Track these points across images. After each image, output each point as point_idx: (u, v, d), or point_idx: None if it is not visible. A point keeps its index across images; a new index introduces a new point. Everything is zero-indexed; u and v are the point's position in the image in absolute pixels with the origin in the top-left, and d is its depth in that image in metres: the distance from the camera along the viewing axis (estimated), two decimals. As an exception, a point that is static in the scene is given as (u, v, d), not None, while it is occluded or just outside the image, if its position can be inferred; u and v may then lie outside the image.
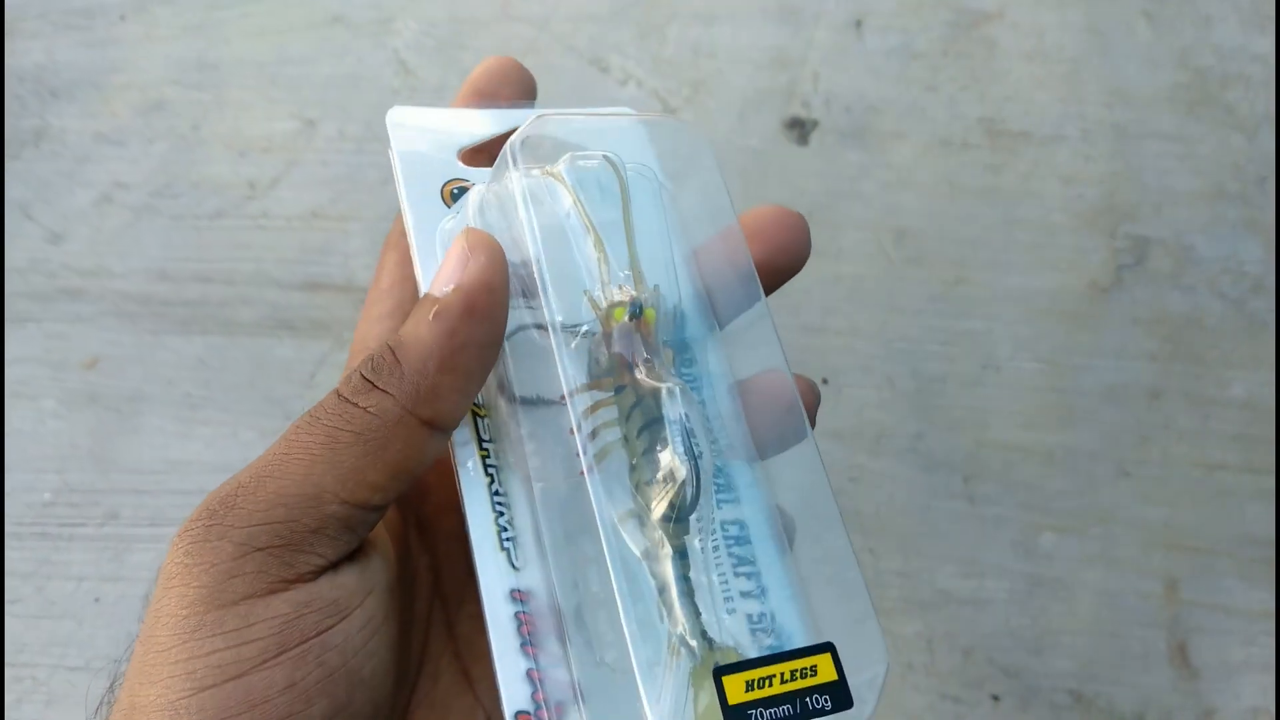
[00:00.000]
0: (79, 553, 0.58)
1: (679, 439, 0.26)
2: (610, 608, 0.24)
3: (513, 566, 0.27)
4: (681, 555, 0.26)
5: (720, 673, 0.24)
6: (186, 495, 0.59)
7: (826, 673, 0.24)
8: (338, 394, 0.26)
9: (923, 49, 0.69)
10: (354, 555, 0.26)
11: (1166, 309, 0.60)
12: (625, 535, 0.26)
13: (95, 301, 0.65)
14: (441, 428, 0.26)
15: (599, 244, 0.28)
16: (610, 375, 0.27)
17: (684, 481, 0.26)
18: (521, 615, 0.26)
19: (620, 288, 0.28)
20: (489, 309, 0.26)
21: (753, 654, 0.26)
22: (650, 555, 0.26)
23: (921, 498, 0.55)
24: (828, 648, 0.25)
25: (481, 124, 0.31)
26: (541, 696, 0.26)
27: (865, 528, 0.55)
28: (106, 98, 0.71)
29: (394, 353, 0.26)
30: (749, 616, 0.27)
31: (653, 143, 0.31)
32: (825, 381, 0.59)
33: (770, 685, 0.24)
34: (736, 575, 0.27)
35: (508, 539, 0.27)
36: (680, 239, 0.30)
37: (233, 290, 0.64)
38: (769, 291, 0.29)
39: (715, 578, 0.27)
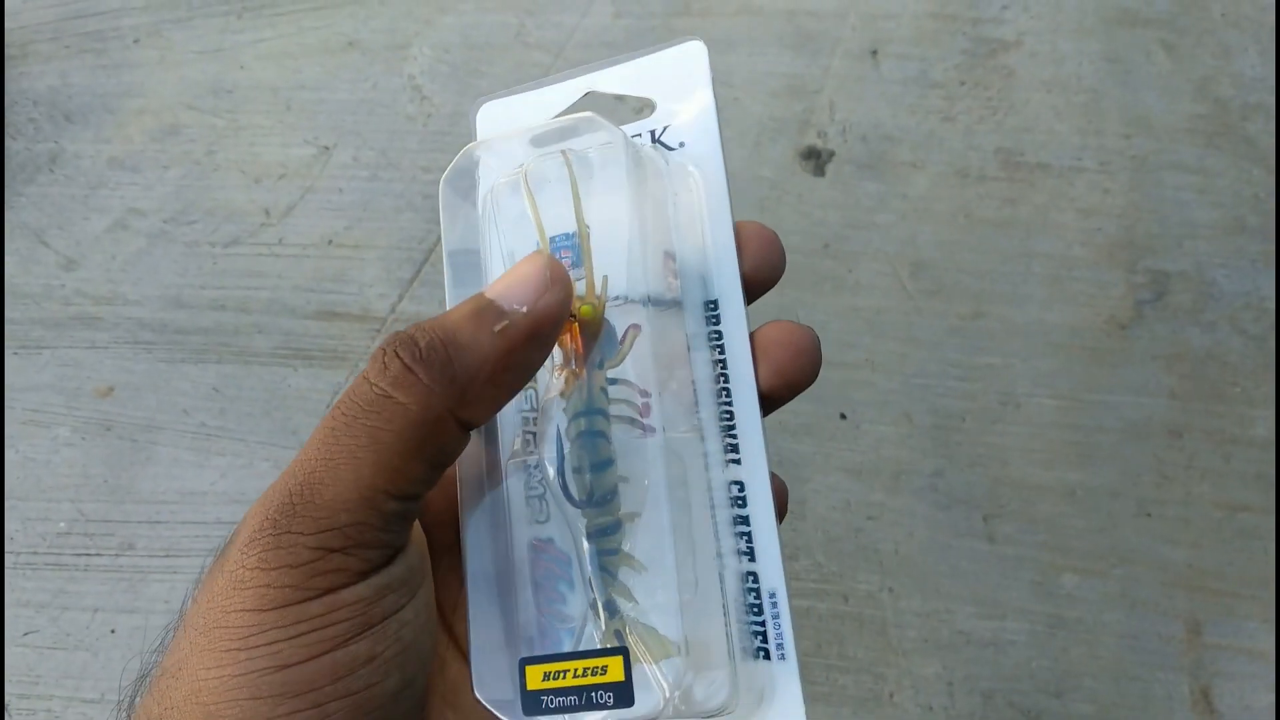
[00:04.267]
0: (94, 584, 0.58)
1: (554, 445, 0.29)
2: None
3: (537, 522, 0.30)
4: (599, 533, 0.28)
5: (525, 662, 0.27)
6: (202, 526, 0.59)
7: (615, 673, 0.27)
8: (371, 385, 0.25)
9: (939, 78, 0.69)
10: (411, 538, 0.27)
11: (1187, 345, 0.59)
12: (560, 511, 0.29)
13: (110, 329, 0.64)
14: (471, 428, 0.26)
15: (544, 248, 0.29)
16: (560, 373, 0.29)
17: (556, 476, 0.29)
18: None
19: (577, 277, 0.29)
20: (548, 339, 0.27)
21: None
22: (577, 531, 0.29)
23: (941, 536, 0.55)
24: (621, 651, 0.27)
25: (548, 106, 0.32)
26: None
27: (884, 566, 0.55)
28: (120, 122, 0.71)
29: (447, 348, 0.25)
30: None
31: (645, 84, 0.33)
32: (844, 416, 0.58)
33: (564, 678, 0.27)
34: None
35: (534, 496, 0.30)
36: (671, 208, 0.31)
37: (247, 318, 0.64)
38: (750, 301, 0.30)
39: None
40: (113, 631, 0.57)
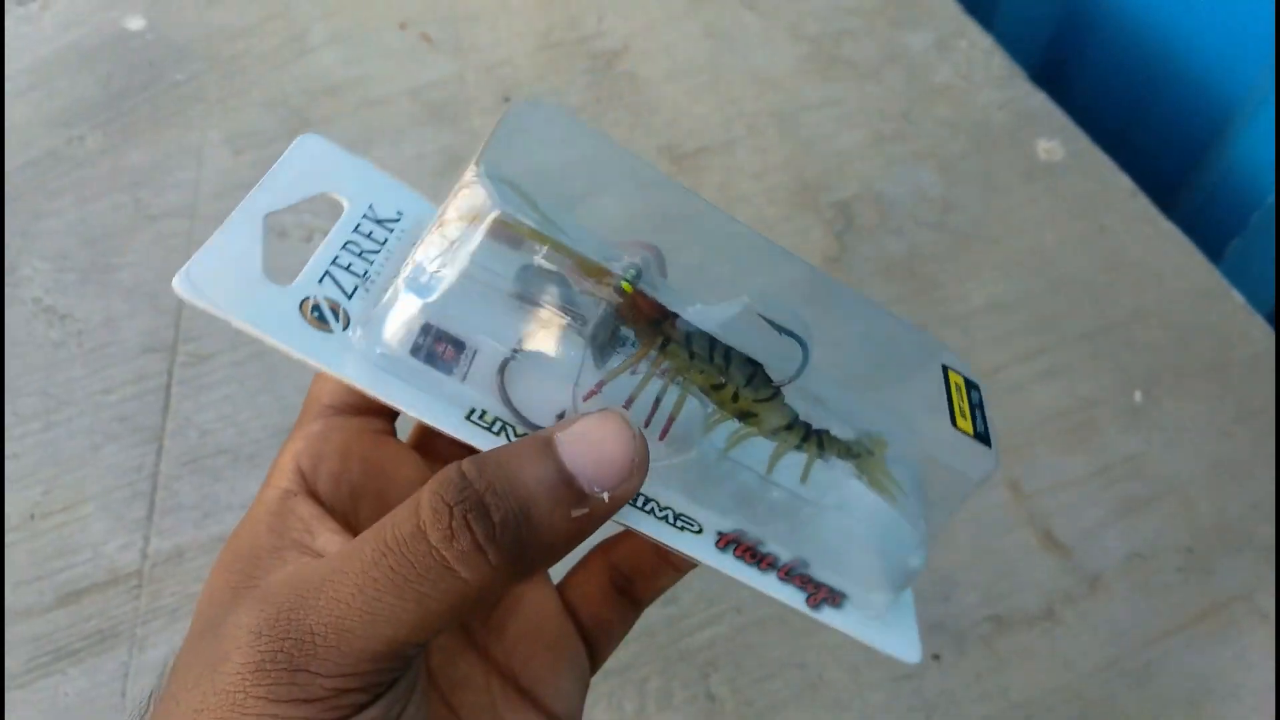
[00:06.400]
0: None
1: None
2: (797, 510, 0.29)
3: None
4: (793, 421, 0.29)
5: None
6: None
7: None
8: (432, 549, 0.23)
9: (576, 101, 0.71)
10: None
11: (889, 253, 0.66)
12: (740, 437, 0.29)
13: None
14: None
15: (557, 245, 0.26)
16: (648, 340, 0.27)
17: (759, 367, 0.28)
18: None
19: (607, 263, 0.27)
20: (616, 512, 0.25)
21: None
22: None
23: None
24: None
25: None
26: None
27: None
28: None
29: (520, 526, 0.23)
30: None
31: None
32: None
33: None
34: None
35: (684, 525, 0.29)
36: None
37: (-24, 646, 0.53)
38: None
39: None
40: None
